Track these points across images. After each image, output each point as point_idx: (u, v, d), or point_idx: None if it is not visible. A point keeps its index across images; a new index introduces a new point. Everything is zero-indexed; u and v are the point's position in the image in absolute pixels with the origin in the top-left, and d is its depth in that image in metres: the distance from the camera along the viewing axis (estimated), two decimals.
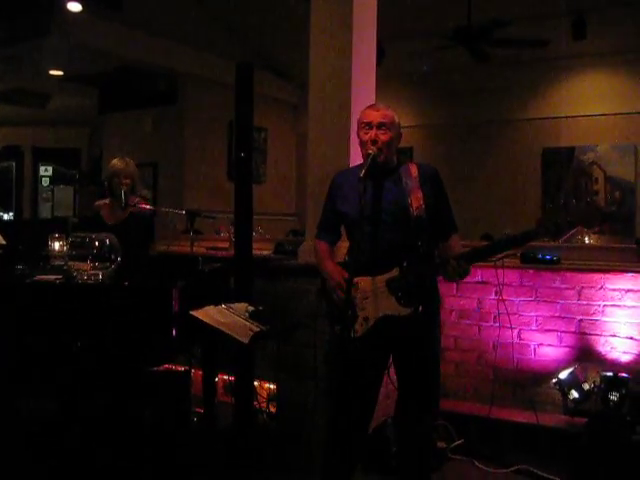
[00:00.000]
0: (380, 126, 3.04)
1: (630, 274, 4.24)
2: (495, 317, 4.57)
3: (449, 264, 2.87)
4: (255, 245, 4.20)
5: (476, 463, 4.24)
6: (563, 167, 8.60)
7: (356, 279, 2.98)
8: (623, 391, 4.03)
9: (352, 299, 3.00)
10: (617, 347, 4.34)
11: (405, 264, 2.97)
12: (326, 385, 3.79)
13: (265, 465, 3.85)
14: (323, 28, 4.24)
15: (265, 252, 4.87)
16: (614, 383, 4.07)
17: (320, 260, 3.25)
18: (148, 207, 4.51)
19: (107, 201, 4.56)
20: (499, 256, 4.34)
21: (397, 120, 3.10)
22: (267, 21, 8.71)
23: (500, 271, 4.40)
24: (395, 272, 2.97)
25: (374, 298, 2.97)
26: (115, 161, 4.58)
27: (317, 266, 3.27)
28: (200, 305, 3.22)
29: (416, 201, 3.01)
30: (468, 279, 4.62)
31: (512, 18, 7.19)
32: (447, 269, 2.88)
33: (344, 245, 3.32)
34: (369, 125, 3.05)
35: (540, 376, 4.52)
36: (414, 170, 3.09)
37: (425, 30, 8.21)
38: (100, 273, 3.36)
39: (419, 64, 8.92)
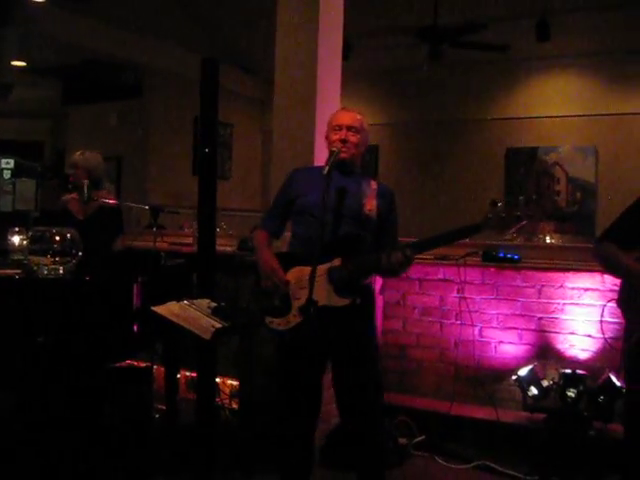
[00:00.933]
0: (350, 128, 3.14)
1: (589, 273, 4.32)
2: (457, 315, 4.63)
3: (394, 252, 2.89)
4: (219, 241, 4.18)
5: (437, 459, 4.28)
6: (526, 167, 8.71)
7: (297, 267, 3.03)
8: (581, 388, 4.10)
9: (287, 288, 3.03)
10: (575, 345, 4.41)
11: (348, 254, 2.99)
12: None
13: (227, 462, 3.85)
14: (289, 24, 4.25)
15: (229, 248, 4.86)
16: (572, 380, 4.14)
17: (257, 248, 3.29)
18: (112, 201, 4.48)
19: (74, 195, 4.51)
20: (461, 254, 4.40)
21: (366, 126, 3.21)
22: (234, 16, 8.68)
23: (462, 269, 4.45)
24: (337, 262, 2.98)
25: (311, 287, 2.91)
26: (76, 154, 4.55)
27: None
28: (162, 301, 3.20)
29: (370, 204, 3.09)
30: (431, 276, 4.72)
31: (477, 18, 7.28)
32: (391, 257, 2.89)
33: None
34: (339, 127, 3.14)
35: (500, 373, 4.58)
36: (374, 185, 3.19)
37: (393, 28, 8.24)
38: (61, 268, 3.32)
39: (387, 61, 8.95)
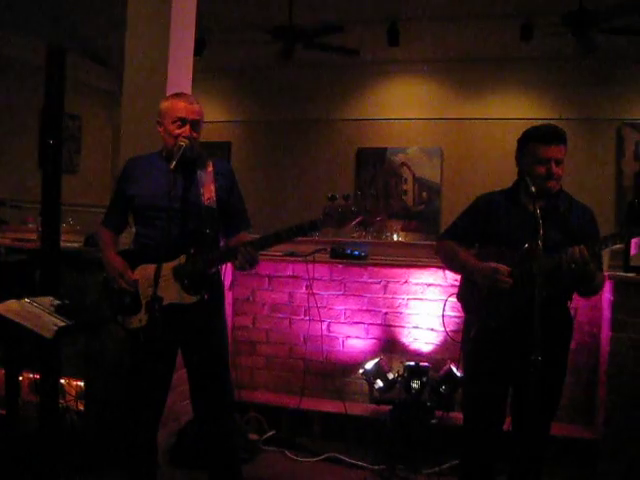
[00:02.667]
0: (195, 124, 3.04)
1: (431, 269, 4.50)
2: (306, 310, 4.70)
3: (239, 251, 2.90)
4: (64, 237, 4.05)
5: (287, 453, 4.34)
6: (375, 167, 8.96)
7: (141, 267, 3.01)
8: (424, 379, 4.25)
9: (136, 287, 3.01)
10: (419, 338, 4.59)
11: (192, 251, 2.98)
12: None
13: (73, 465, 3.73)
14: (140, 16, 4.14)
15: (75, 244, 4.70)
16: (416, 372, 4.28)
17: (102, 249, 3.22)
18: None
19: None
20: (310, 251, 4.48)
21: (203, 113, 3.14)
22: (85, 4, 8.36)
23: (311, 266, 4.52)
24: (182, 259, 2.98)
25: (160, 285, 2.85)
26: None
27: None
28: (1, 299, 3.06)
29: (208, 193, 3.07)
30: (280, 273, 4.77)
31: (330, 20, 7.43)
32: (237, 256, 2.90)
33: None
34: (184, 120, 3.02)
35: (348, 367, 4.69)
36: (210, 166, 3.14)
37: (247, 26, 8.24)
38: None
39: (241, 59, 8.94)
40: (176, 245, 2.96)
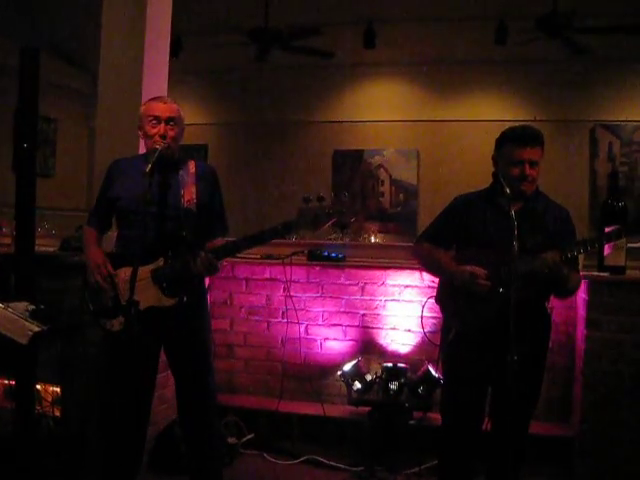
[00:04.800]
0: (169, 121, 3.07)
1: (408, 271, 4.51)
2: (283, 313, 4.70)
3: (199, 256, 2.90)
4: (40, 241, 4.02)
5: (266, 456, 4.33)
6: (352, 169, 8.96)
7: (121, 269, 3.01)
8: (402, 380, 4.26)
9: (117, 290, 3.01)
10: (397, 339, 4.60)
11: (170, 254, 2.98)
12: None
13: (49, 473, 3.69)
14: (116, 18, 4.13)
15: (51, 248, 4.66)
16: (394, 373, 4.29)
17: (85, 246, 3.23)
18: None
19: None
20: (287, 253, 4.47)
21: (182, 114, 3.17)
22: (59, 3, 8.28)
23: (288, 268, 4.50)
24: (160, 262, 2.97)
25: (139, 289, 2.86)
26: None
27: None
28: None
29: (188, 194, 3.08)
30: (257, 276, 4.76)
31: (307, 22, 7.43)
32: (196, 261, 2.90)
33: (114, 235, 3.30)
34: (157, 119, 3.06)
35: (326, 369, 4.69)
36: (192, 167, 3.17)
37: (224, 28, 8.22)
38: None
39: (217, 61, 8.90)
40: (153, 248, 2.95)
